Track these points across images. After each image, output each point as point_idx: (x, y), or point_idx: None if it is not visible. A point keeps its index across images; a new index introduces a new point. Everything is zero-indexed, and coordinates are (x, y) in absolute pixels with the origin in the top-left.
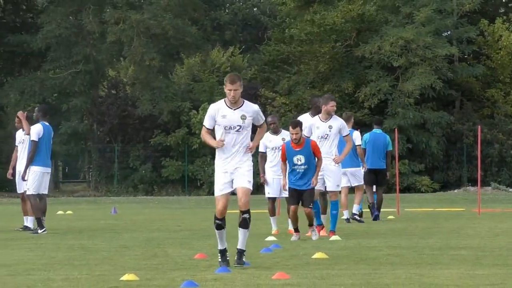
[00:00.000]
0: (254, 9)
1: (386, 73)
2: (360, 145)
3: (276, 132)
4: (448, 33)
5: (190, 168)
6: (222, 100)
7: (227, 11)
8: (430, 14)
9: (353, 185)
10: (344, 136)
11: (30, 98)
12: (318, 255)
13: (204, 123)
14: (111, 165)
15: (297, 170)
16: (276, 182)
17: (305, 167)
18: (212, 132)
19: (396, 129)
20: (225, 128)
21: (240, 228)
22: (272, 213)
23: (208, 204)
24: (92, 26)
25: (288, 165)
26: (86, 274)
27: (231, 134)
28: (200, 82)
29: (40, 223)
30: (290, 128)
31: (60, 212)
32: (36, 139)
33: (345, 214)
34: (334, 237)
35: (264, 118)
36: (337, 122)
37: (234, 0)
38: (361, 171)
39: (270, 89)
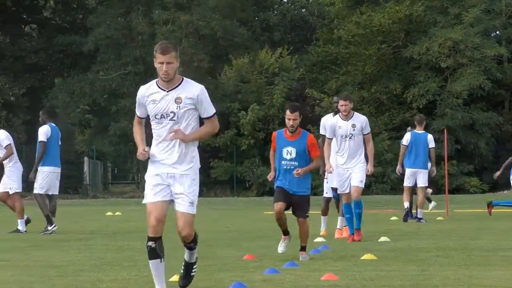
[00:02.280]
0: (303, 10)
1: (434, 74)
2: (434, 147)
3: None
4: (497, 33)
5: (238, 169)
6: (154, 80)
7: (275, 12)
8: (478, 15)
9: (419, 185)
10: (365, 135)
11: (80, 99)
12: (366, 256)
13: (136, 110)
14: None
15: (285, 167)
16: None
17: (294, 164)
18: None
19: (445, 130)
20: (155, 117)
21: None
22: (325, 212)
23: (256, 205)
24: (141, 27)
25: (276, 158)
26: (135, 275)
27: (164, 126)
28: (248, 83)
29: (49, 219)
30: (288, 112)
31: (109, 213)
32: (45, 140)
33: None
34: (382, 238)
35: (214, 110)
36: (360, 119)
37: (282, 1)
38: (427, 173)
39: (318, 89)
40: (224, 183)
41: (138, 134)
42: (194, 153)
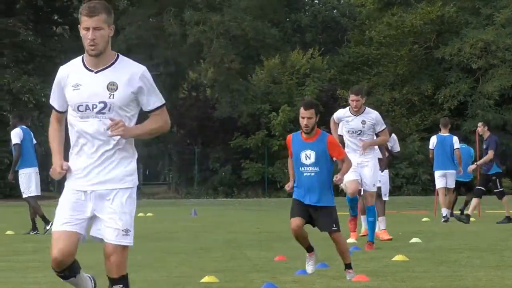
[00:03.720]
0: (334, 11)
1: (465, 75)
2: (458, 148)
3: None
4: None
5: (270, 170)
6: (80, 57)
7: (307, 13)
8: (510, 16)
9: (448, 187)
10: (378, 132)
11: None
12: (398, 257)
13: (51, 101)
14: (191, 167)
15: (305, 174)
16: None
17: (315, 170)
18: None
19: (476, 131)
20: (78, 109)
21: None
22: (363, 212)
23: (288, 206)
24: (172, 28)
25: (293, 165)
26: (165, 276)
27: (91, 121)
28: (279, 84)
29: (45, 219)
30: (302, 109)
31: (140, 214)
32: (19, 142)
33: (444, 212)
34: (414, 239)
35: (162, 100)
36: (371, 115)
37: (314, 2)
38: (455, 174)
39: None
40: (256, 184)
41: (55, 139)
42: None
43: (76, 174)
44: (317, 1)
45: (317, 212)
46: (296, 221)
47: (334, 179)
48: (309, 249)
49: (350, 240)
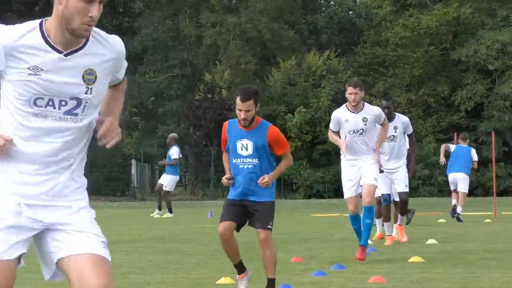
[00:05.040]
0: (350, 13)
1: (482, 76)
2: (477, 160)
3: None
4: None
5: (285, 172)
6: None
7: (323, 14)
8: None
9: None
10: (381, 124)
11: (128, 101)
12: (414, 258)
13: None
14: (207, 169)
15: (240, 166)
16: (384, 178)
17: (253, 162)
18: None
19: (492, 133)
20: (34, 103)
21: None
22: (380, 215)
23: (304, 207)
24: (188, 29)
25: (228, 156)
26: (182, 278)
27: (41, 119)
28: (295, 86)
29: None
30: (238, 101)
31: (157, 215)
32: None
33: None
34: (430, 241)
35: (124, 77)
36: (372, 111)
37: (330, 3)
38: (468, 179)
39: (366, 91)
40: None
41: None
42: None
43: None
44: (333, 3)
45: (254, 208)
46: (225, 224)
47: (259, 181)
48: (240, 268)
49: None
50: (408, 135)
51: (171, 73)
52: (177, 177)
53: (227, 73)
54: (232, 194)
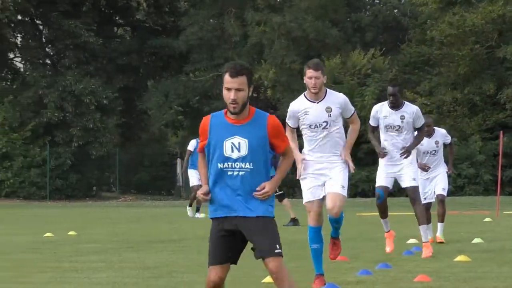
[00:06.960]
0: (395, 11)
1: None
2: None
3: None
4: None
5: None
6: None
7: (367, 13)
8: None
9: None
10: (417, 129)
11: (174, 100)
12: (460, 257)
13: None
14: None
15: (229, 173)
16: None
17: (247, 168)
18: None
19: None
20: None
21: None
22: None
23: (349, 206)
24: (233, 29)
25: (209, 162)
26: (228, 277)
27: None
28: (340, 84)
29: None
30: (227, 77)
31: (202, 215)
32: None
33: None
34: (476, 240)
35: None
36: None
37: (374, 2)
38: None
39: (411, 90)
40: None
41: None
42: None
43: None
44: (377, 1)
45: (249, 226)
46: (217, 271)
47: (256, 193)
48: None
49: None
50: (418, 129)
51: (216, 72)
52: None
53: (272, 72)
54: (214, 212)
